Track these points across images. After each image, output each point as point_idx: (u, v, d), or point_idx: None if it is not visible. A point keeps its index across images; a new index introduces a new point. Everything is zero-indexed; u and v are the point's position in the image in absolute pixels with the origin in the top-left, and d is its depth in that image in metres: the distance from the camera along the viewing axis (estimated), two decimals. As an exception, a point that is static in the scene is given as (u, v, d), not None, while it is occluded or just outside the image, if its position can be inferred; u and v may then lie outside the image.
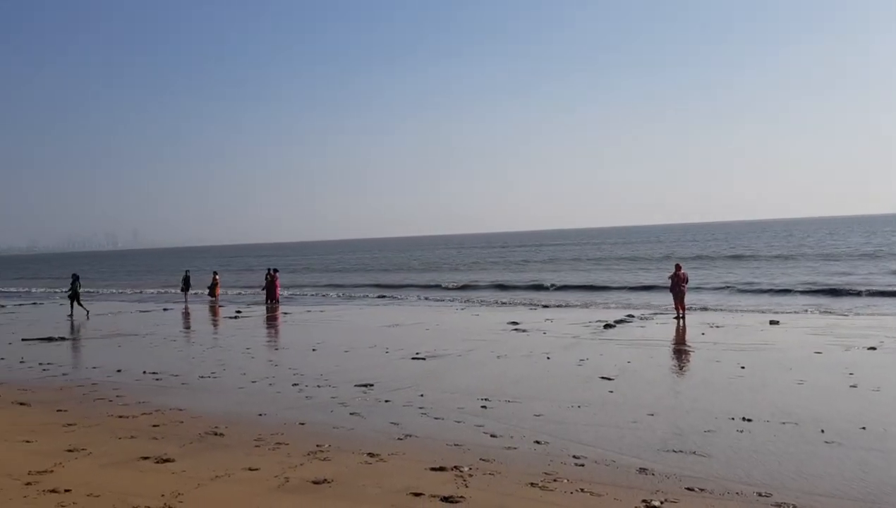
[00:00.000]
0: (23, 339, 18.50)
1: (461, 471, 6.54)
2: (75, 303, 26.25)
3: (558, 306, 24.88)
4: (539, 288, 34.00)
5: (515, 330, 17.88)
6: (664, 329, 17.68)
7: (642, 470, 6.63)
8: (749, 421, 8.33)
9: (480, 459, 6.95)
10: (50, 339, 18.35)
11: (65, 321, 23.96)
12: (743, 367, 11.80)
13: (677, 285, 19.48)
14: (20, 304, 33.41)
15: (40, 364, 14.12)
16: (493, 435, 7.91)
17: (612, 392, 10.19)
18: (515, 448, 7.40)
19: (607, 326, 17.98)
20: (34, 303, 34.21)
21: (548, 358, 13.34)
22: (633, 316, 20.37)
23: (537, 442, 7.62)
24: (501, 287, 35.62)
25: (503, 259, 68.17)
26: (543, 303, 25.70)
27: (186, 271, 33.56)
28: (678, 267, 20.11)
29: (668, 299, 21.31)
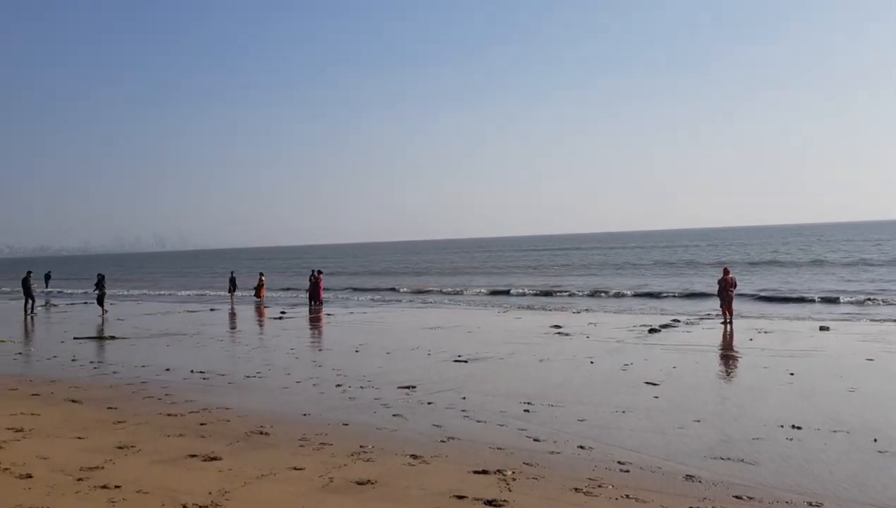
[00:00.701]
0: (74, 338, 19.01)
1: (504, 475, 6.52)
2: (100, 301, 27.40)
3: (602, 310, 24.67)
4: (568, 293, 33.78)
5: (558, 333, 17.77)
6: (711, 334, 17.40)
7: (689, 477, 6.54)
8: (799, 428, 8.15)
9: (524, 463, 6.93)
10: (101, 338, 18.81)
11: (116, 321, 24.50)
12: (792, 374, 11.55)
13: (725, 289, 19.16)
14: (72, 304, 34.30)
15: (91, 362, 14.49)
16: (536, 440, 7.87)
17: (657, 397, 10.06)
18: (559, 453, 7.35)
19: (652, 331, 17.77)
20: (85, 303, 35.07)
21: (591, 362, 13.23)
22: (678, 321, 20.09)
23: (581, 447, 7.56)
24: (545, 292, 35.44)
25: (539, 263, 67.73)
26: (585, 307, 25.47)
27: (232, 272, 34.21)
28: (726, 272, 19.78)
29: (714, 304, 20.99)
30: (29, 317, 26.25)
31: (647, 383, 11.04)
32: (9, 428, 8.40)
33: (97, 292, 28.01)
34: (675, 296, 29.78)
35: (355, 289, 41.66)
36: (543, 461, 7.05)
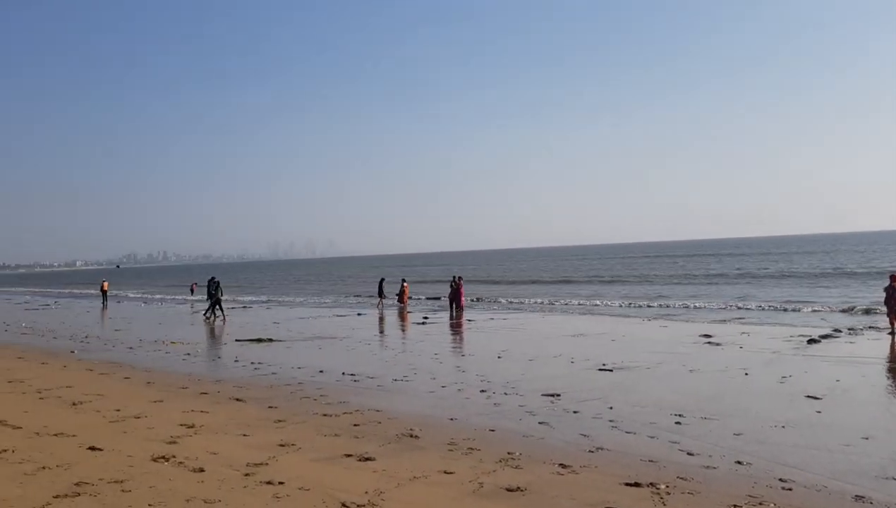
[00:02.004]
0: (236, 340, 20.32)
1: (657, 489, 6.35)
2: (216, 308, 28.85)
3: (752, 319, 23.48)
4: (705, 300, 32.27)
5: (708, 343, 17.08)
6: (877, 345, 16.17)
7: (858, 498, 6.11)
8: None
9: (678, 477, 6.71)
10: (259, 340, 19.97)
11: (272, 325, 25.92)
12: (978, 391, 10.53)
13: (893, 297, 17.73)
14: (232, 308, 36.60)
15: (252, 363, 15.41)
16: (689, 453, 7.61)
17: (819, 412, 9.46)
18: (715, 468, 7.07)
19: (811, 341, 16.72)
20: (244, 307, 37.40)
21: (746, 373, 12.63)
22: (839, 331, 18.78)
23: (739, 463, 7.23)
24: (693, 298, 34.16)
25: (688, 272, 65.24)
26: (736, 317, 24.31)
27: (381, 279, 35.41)
28: (893, 278, 18.28)
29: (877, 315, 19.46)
30: (215, 320, 28.23)
31: (808, 397, 10.40)
32: (181, 424, 9.08)
33: (212, 298, 29.48)
34: (829, 305, 27.82)
35: (496, 295, 41.87)
36: (699, 475, 6.81)
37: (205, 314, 29.32)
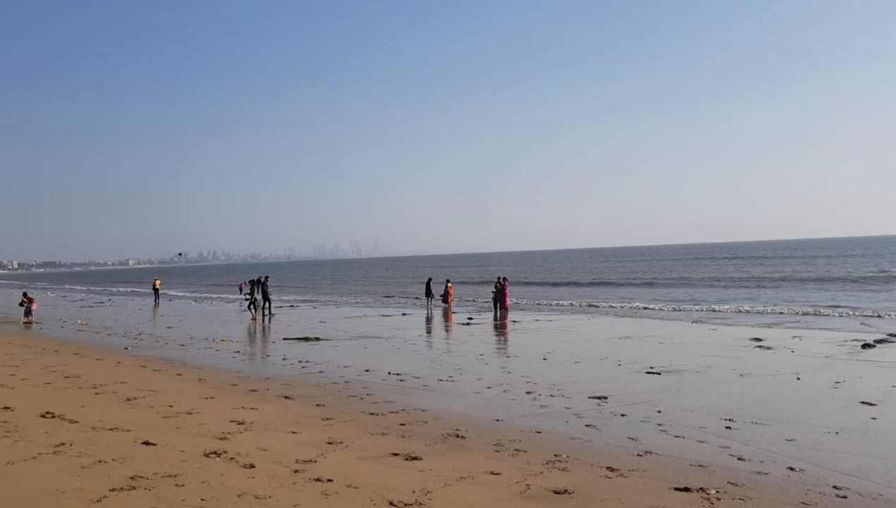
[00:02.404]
0: (284, 338, 20.60)
1: (708, 494, 6.25)
2: (251, 306, 29.77)
3: (804, 323, 22.95)
4: (751, 303, 31.58)
5: (758, 346, 16.74)
6: (938, 351, 15.64)
7: (918, 509, 5.93)
8: None
9: (728, 482, 6.61)
10: (306, 339, 20.21)
11: (319, 324, 26.21)
12: None
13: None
14: (279, 307, 37.08)
15: (299, 361, 15.61)
16: (740, 458, 7.48)
17: (874, 419, 9.20)
18: (767, 474, 6.93)
19: (866, 346, 16.27)
20: (291, 306, 37.87)
21: (798, 378, 12.35)
22: (895, 336, 18.24)
23: (791, 469, 7.08)
24: (735, 301, 33.51)
25: (728, 275, 64.01)
26: (786, 321, 23.78)
27: (429, 279, 35.58)
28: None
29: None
30: (266, 318, 28.81)
31: (863, 402, 10.13)
32: (232, 421, 9.24)
33: (251, 297, 30.42)
34: (878, 310, 26.98)
35: (541, 297, 41.65)
36: (750, 481, 6.69)
37: (252, 308, 30.05)
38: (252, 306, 29.92)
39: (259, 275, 31.59)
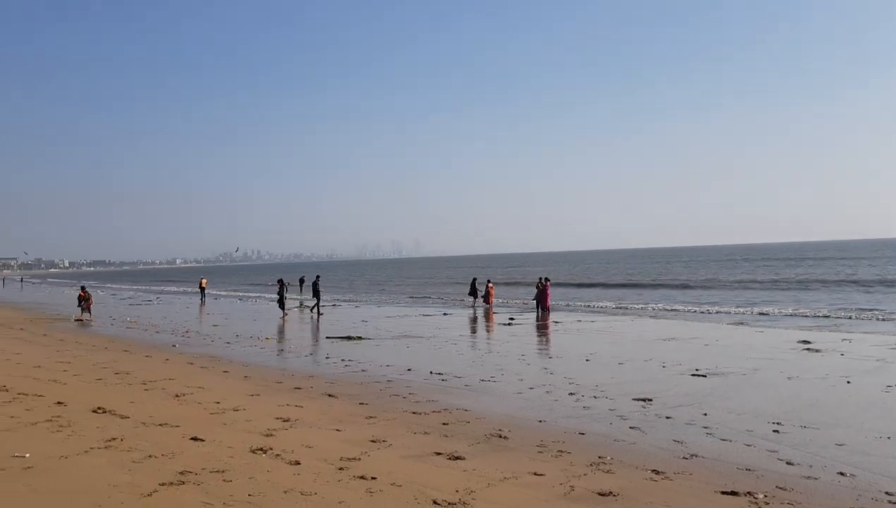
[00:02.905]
0: (327, 337, 20.81)
1: (755, 498, 6.15)
2: (282, 305, 30.66)
3: (853, 326, 22.40)
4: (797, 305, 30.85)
5: (807, 349, 16.40)
6: None
7: (977, 518, 5.76)
8: None
9: (776, 487, 6.49)
10: (349, 338, 20.38)
11: (361, 323, 26.41)
12: None
13: None
14: (321, 306, 37.46)
15: (342, 360, 15.75)
16: (789, 463, 7.34)
17: (930, 425, 8.96)
18: (816, 479, 6.79)
19: (921, 350, 15.83)
20: (333, 305, 38.20)
21: (848, 381, 12.06)
22: (953, 340, 17.71)
23: (841, 474, 6.92)
24: (778, 303, 32.84)
25: (769, 277, 62.68)
26: (835, 325, 23.22)
27: (473, 278, 35.70)
28: None
29: None
30: (315, 317, 29.35)
31: (919, 408, 9.87)
32: (278, 418, 9.37)
33: (279, 297, 31.19)
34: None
35: (584, 298, 41.38)
36: (799, 486, 6.56)
37: (311, 309, 31.03)
38: (281, 304, 30.77)
39: (285, 276, 32.72)
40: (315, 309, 31.08)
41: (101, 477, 6.43)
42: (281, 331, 23.65)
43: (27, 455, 7.10)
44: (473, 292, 33.98)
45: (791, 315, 26.89)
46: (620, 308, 32.70)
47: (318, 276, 33.91)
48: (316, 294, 31.66)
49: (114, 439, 7.93)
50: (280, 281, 32.33)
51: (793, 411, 9.82)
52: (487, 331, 23.49)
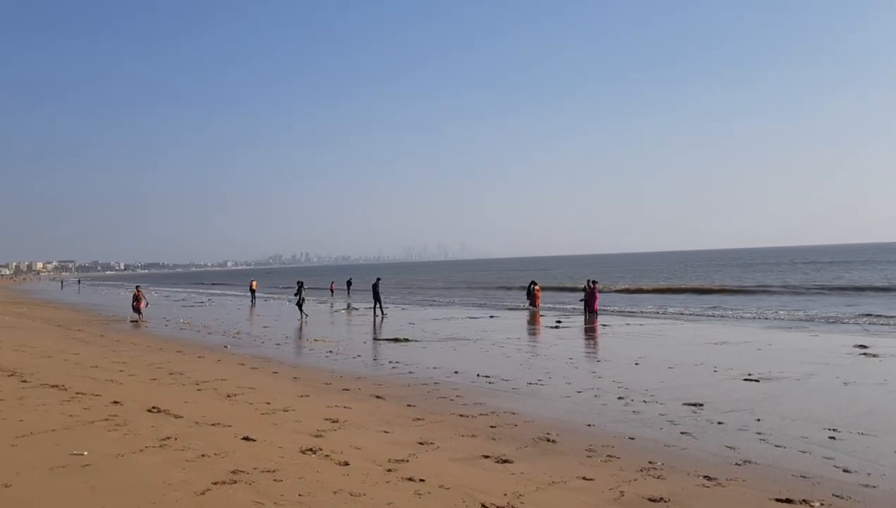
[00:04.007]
0: (374, 339, 20.97)
1: (811, 506, 6.00)
2: (299, 307, 31.03)
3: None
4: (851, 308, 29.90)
5: (863, 354, 15.93)
6: None
7: None
8: None
9: (833, 495, 6.33)
10: (396, 340, 20.50)
11: (408, 325, 26.53)
12: None
13: None
14: (369, 308, 37.73)
15: (389, 362, 15.85)
16: (846, 470, 7.15)
17: None
18: (875, 487, 6.61)
19: None
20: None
21: (908, 388, 11.71)
22: None
23: (902, 484, 6.72)
24: (829, 307, 31.93)
25: (823, 282, 60.89)
26: (891, 329, 22.51)
27: (532, 282, 35.67)
28: None
29: None
30: (378, 319, 29.71)
31: (984, 416, 9.52)
32: (326, 419, 9.47)
33: (297, 298, 31.52)
34: None
35: (628, 302, 40.87)
36: (856, 494, 6.39)
37: (374, 310, 31.61)
38: (300, 306, 31.22)
39: (298, 279, 33.18)
40: (377, 310, 31.60)
41: (155, 475, 6.57)
42: (337, 333, 23.87)
43: (85, 452, 7.29)
44: (530, 295, 34.06)
45: (845, 320, 26.14)
46: (665, 311, 32.21)
47: (378, 279, 34.28)
48: (376, 296, 31.98)
49: (168, 438, 8.10)
50: (299, 283, 32.69)
51: (849, 417, 9.56)
52: (534, 334, 23.37)
